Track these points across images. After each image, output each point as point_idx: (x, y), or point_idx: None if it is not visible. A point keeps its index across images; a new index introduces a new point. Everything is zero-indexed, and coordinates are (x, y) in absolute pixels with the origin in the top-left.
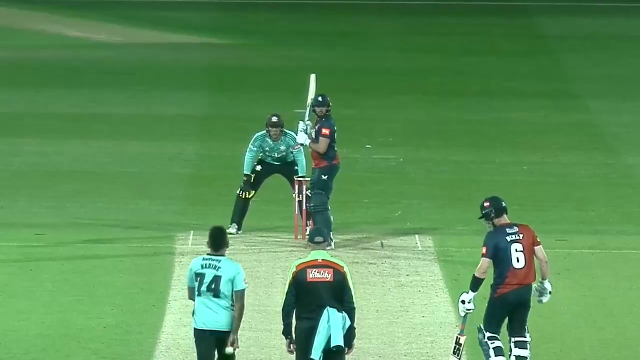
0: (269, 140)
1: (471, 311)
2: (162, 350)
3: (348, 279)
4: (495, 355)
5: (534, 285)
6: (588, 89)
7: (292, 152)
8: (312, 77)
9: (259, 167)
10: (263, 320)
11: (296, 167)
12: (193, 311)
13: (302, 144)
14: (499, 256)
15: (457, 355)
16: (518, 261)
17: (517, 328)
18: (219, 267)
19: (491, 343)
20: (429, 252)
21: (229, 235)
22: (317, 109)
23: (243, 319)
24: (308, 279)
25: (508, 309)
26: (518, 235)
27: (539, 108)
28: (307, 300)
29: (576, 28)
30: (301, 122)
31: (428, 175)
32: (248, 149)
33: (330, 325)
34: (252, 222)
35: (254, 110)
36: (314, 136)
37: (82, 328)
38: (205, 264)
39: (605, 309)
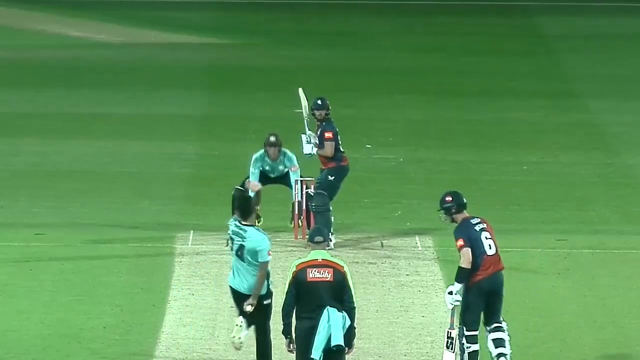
0: (268, 159)
1: (459, 303)
2: (162, 350)
3: (348, 279)
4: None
5: None
6: (588, 89)
7: (291, 172)
8: (300, 90)
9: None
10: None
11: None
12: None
13: (310, 154)
14: (473, 246)
15: (451, 349)
16: (490, 248)
17: (493, 316)
18: (244, 237)
19: (467, 347)
20: (429, 252)
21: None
22: (317, 113)
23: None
24: (308, 279)
25: (483, 298)
26: (483, 224)
27: (539, 108)
28: (307, 299)
29: (576, 28)
30: (303, 135)
31: (428, 175)
32: (250, 173)
33: (331, 324)
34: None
35: (254, 110)
36: (317, 142)
37: (82, 328)
38: (235, 232)
39: (605, 309)
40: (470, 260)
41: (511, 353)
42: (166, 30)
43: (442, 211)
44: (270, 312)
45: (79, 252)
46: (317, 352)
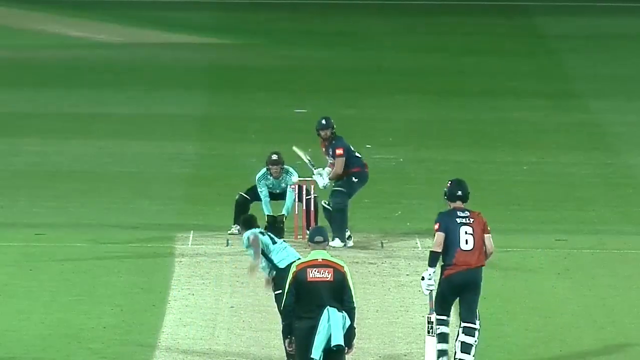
0: (270, 177)
1: (433, 287)
2: (162, 350)
3: (348, 279)
4: (438, 342)
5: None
6: (588, 89)
7: (289, 189)
8: (294, 149)
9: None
10: (263, 320)
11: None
12: None
13: (325, 185)
14: (448, 237)
15: (432, 334)
16: (467, 243)
17: (467, 313)
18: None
19: (437, 329)
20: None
21: (230, 235)
22: (322, 132)
23: (242, 319)
24: (308, 279)
25: (454, 291)
26: (469, 219)
27: (539, 108)
28: (307, 299)
29: (577, 28)
30: (314, 176)
31: (428, 175)
32: (260, 191)
33: (331, 324)
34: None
35: (254, 110)
36: (330, 160)
37: (82, 328)
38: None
39: (605, 309)
40: (441, 244)
41: (475, 355)
42: (166, 30)
43: (444, 196)
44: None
45: (79, 252)
46: (317, 352)
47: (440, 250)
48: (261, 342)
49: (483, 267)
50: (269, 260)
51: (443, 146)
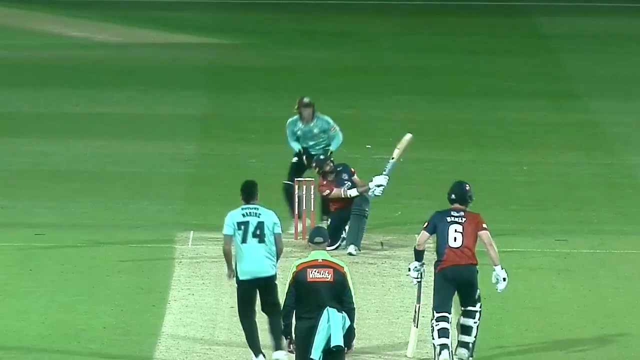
0: (300, 124)
1: (418, 279)
2: (162, 350)
3: (348, 279)
4: (439, 337)
5: (493, 274)
6: (588, 89)
7: (330, 133)
8: (408, 136)
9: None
10: (263, 320)
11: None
12: (236, 262)
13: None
14: (438, 234)
15: (415, 324)
16: (455, 240)
17: (466, 300)
18: (259, 214)
19: (436, 325)
20: (429, 253)
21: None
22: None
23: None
24: (308, 279)
25: (449, 285)
26: (461, 219)
27: (539, 108)
28: (307, 300)
29: (577, 28)
30: (381, 177)
31: (428, 175)
32: (290, 143)
33: (331, 325)
34: None
35: (254, 110)
36: (349, 182)
37: (82, 328)
38: (246, 213)
39: (605, 309)
40: (422, 242)
41: (476, 338)
42: (166, 30)
43: None
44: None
45: (79, 252)
46: (316, 352)
47: (420, 249)
48: (261, 342)
49: (475, 265)
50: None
51: (443, 146)
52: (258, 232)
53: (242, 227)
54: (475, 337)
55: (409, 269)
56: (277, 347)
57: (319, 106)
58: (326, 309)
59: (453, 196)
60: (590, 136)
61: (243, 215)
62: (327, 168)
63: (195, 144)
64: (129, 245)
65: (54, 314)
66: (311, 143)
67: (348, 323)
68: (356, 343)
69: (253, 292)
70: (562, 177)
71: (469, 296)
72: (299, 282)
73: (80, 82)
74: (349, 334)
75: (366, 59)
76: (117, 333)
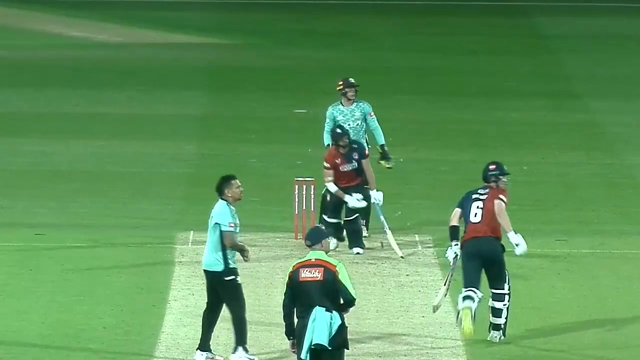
0: (342, 107)
1: (453, 261)
2: (162, 350)
3: (341, 277)
4: (463, 301)
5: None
6: (588, 89)
7: (369, 117)
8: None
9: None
10: (263, 320)
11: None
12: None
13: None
14: (463, 212)
15: (446, 284)
16: (475, 216)
17: (493, 281)
18: (213, 208)
19: (462, 301)
20: (429, 252)
21: None
22: (343, 141)
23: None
24: (300, 279)
25: (473, 260)
26: (484, 196)
27: (539, 108)
28: (301, 299)
29: (577, 28)
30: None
31: (428, 175)
32: (326, 123)
33: (315, 324)
34: (252, 222)
35: (254, 110)
36: (356, 161)
37: (82, 328)
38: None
39: (605, 309)
40: (453, 218)
41: (506, 322)
42: (166, 30)
43: None
44: (238, 292)
45: (79, 252)
46: (304, 352)
47: (453, 224)
48: (261, 342)
49: (495, 238)
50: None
51: (443, 146)
52: (209, 226)
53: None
54: (506, 318)
55: (448, 247)
56: (234, 347)
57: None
58: (315, 308)
59: (488, 174)
60: (590, 136)
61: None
62: (341, 142)
63: (195, 144)
64: (129, 245)
65: (54, 314)
66: (352, 125)
67: (338, 322)
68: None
69: (207, 283)
70: (562, 177)
71: (494, 275)
72: (293, 282)
73: (80, 82)
74: (340, 334)
75: (366, 59)
76: (117, 333)
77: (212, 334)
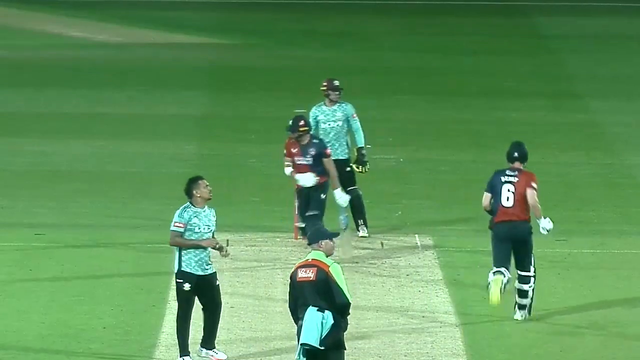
0: (324, 107)
1: None
2: (162, 351)
3: (334, 277)
4: (494, 275)
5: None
6: (588, 89)
7: (352, 119)
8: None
9: None
10: (263, 320)
11: (345, 150)
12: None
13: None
14: (493, 194)
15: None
16: (508, 200)
17: (520, 264)
18: None
19: (490, 279)
20: (429, 252)
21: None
22: (301, 130)
23: (242, 319)
24: (297, 279)
25: (503, 242)
26: (514, 178)
27: (539, 108)
28: (299, 300)
29: (577, 28)
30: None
31: (428, 175)
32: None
33: (305, 324)
34: (252, 222)
35: (254, 110)
36: (311, 157)
37: (82, 328)
38: None
39: (605, 309)
40: (485, 203)
41: (531, 303)
42: (166, 30)
43: None
44: (180, 298)
45: (79, 252)
46: (297, 353)
47: (487, 209)
48: (261, 342)
49: (527, 222)
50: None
51: (443, 146)
52: None
53: None
54: (531, 299)
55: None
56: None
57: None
58: (308, 308)
59: (516, 154)
60: (590, 136)
61: None
62: (296, 131)
63: (195, 144)
64: (129, 245)
65: (54, 314)
66: (333, 125)
67: (330, 322)
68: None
69: None
70: (562, 177)
71: (522, 257)
72: (292, 282)
73: (80, 82)
74: (333, 333)
75: (366, 59)
76: (117, 333)
77: (215, 331)
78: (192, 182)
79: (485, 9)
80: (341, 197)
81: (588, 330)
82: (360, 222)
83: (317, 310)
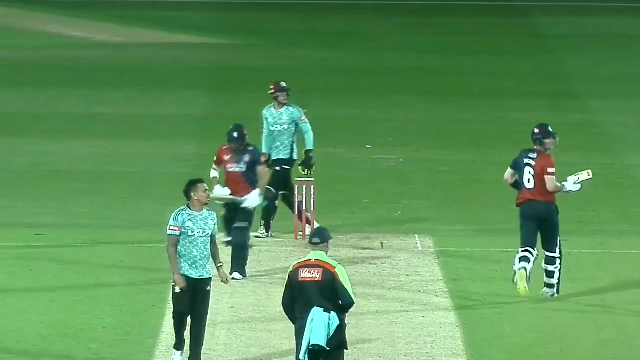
0: (273, 109)
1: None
2: (162, 351)
3: (340, 278)
4: (519, 262)
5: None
6: (588, 89)
7: (301, 122)
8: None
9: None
10: (263, 320)
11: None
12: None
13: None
14: (519, 175)
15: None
16: (529, 182)
17: (546, 244)
18: None
19: (519, 255)
20: (429, 252)
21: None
22: (234, 145)
23: (242, 319)
24: (299, 279)
25: (529, 222)
26: (533, 161)
27: (539, 108)
28: (300, 300)
29: (577, 28)
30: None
31: (428, 175)
32: (264, 131)
33: (313, 325)
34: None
35: (254, 110)
36: (245, 164)
37: (82, 328)
38: None
39: (605, 309)
40: (507, 177)
41: (559, 282)
42: (166, 30)
43: None
44: (174, 296)
45: (79, 252)
46: (302, 352)
47: (509, 183)
48: (261, 342)
49: (551, 202)
50: None
51: (443, 146)
52: None
53: None
54: (558, 279)
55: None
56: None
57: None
58: (313, 308)
59: (534, 136)
60: (590, 136)
61: None
62: (233, 147)
63: (195, 144)
64: (129, 245)
65: (54, 314)
66: (280, 128)
67: (336, 323)
68: (356, 343)
69: None
70: (562, 177)
71: (548, 237)
72: (292, 282)
73: (80, 82)
74: (338, 334)
75: (366, 59)
76: (117, 333)
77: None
78: (192, 184)
79: (485, 9)
80: (253, 200)
81: (588, 330)
82: (262, 222)
83: (324, 311)
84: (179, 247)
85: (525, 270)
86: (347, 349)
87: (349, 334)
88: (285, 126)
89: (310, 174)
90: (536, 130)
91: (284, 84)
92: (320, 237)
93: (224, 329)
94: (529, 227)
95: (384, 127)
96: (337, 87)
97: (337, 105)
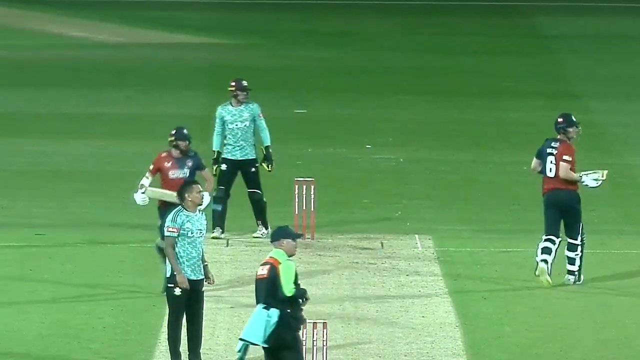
0: (231, 107)
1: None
2: (162, 351)
3: (281, 273)
4: (541, 254)
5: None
6: (588, 89)
7: (258, 119)
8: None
9: (224, 166)
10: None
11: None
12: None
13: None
14: (542, 164)
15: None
16: (550, 171)
17: (568, 231)
18: None
19: (542, 243)
20: (429, 252)
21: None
22: (182, 144)
23: (242, 319)
24: (256, 277)
25: (552, 209)
26: (554, 150)
27: (539, 108)
28: (256, 298)
29: (577, 28)
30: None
31: (428, 175)
32: (215, 123)
33: (249, 320)
34: (251, 222)
35: None
36: (188, 169)
37: (82, 328)
38: None
39: (605, 309)
40: (534, 167)
41: (580, 269)
42: (166, 30)
43: None
44: (169, 302)
45: (79, 252)
46: (237, 347)
47: (536, 171)
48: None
49: (573, 190)
50: None
51: (443, 146)
52: None
53: None
54: (579, 266)
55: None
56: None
57: (320, 106)
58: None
59: (558, 126)
60: (589, 136)
61: None
62: (182, 145)
63: (195, 144)
64: (129, 245)
65: (54, 314)
66: (240, 126)
67: (274, 320)
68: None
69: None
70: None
71: (570, 224)
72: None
73: (80, 82)
74: (278, 331)
75: (366, 59)
76: (117, 333)
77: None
78: (186, 185)
79: (485, 9)
80: (205, 202)
81: (588, 330)
82: (259, 222)
83: (263, 307)
84: (177, 249)
85: (546, 263)
86: (293, 349)
87: (349, 334)
88: (247, 123)
89: (271, 169)
90: (560, 120)
91: (245, 83)
92: (272, 236)
93: (224, 329)
94: (552, 215)
95: (384, 127)
96: (337, 87)
97: (337, 105)
